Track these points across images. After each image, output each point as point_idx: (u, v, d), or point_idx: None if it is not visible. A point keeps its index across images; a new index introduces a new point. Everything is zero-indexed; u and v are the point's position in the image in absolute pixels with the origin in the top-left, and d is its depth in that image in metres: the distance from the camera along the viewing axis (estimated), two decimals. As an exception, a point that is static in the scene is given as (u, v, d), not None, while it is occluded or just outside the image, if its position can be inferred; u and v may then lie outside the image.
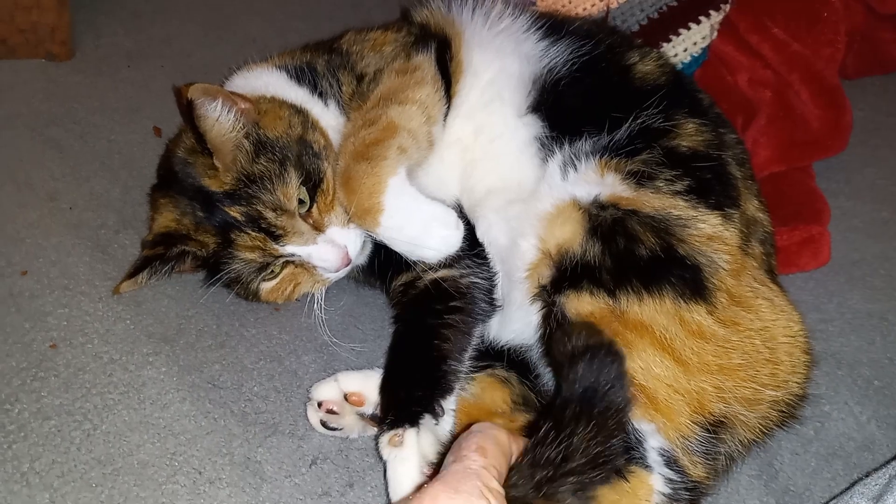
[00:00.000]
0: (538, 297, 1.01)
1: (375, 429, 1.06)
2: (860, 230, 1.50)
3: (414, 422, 0.98)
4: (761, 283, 1.03)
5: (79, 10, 1.83)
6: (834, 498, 0.97)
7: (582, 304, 0.96)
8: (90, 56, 1.79)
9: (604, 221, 1.00)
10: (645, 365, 0.92)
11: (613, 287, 0.96)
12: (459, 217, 1.12)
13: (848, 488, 0.94)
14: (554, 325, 0.98)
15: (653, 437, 0.91)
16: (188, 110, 1.06)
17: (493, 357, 1.10)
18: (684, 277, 0.96)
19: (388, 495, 0.98)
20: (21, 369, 1.11)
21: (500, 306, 1.13)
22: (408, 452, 0.97)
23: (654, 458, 0.91)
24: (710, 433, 0.93)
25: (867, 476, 0.92)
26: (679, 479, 0.91)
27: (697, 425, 0.92)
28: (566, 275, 0.99)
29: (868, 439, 1.14)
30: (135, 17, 1.97)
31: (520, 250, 1.05)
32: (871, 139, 1.71)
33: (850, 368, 1.24)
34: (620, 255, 0.97)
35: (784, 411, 0.99)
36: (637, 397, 0.92)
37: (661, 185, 1.03)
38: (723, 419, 0.93)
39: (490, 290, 1.14)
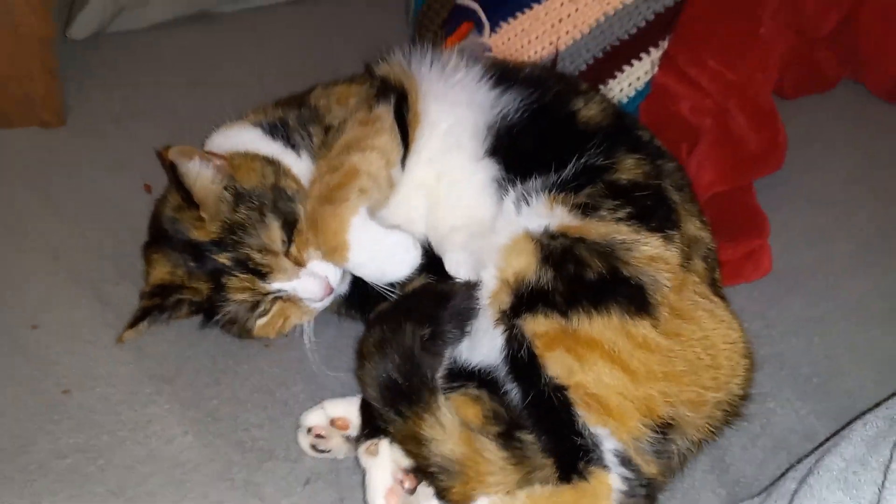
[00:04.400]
0: (500, 322, 1.07)
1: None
2: (799, 238, 1.57)
3: (387, 433, 1.05)
4: (703, 296, 1.10)
5: (68, 69, 1.83)
6: (772, 483, 1.04)
7: (538, 325, 1.03)
8: (81, 120, 1.81)
9: (555, 250, 1.06)
10: (596, 376, 0.99)
11: (566, 308, 1.02)
12: (423, 248, 1.20)
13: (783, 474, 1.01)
14: (515, 346, 1.04)
15: (608, 440, 0.98)
16: (171, 171, 1.15)
17: (466, 377, 1.15)
18: (629, 296, 1.03)
19: (364, 500, 1.05)
20: (36, 414, 1.17)
21: (468, 331, 1.19)
22: (382, 459, 1.04)
23: (610, 458, 0.98)
24: (660, 434, 0.99)
25: (798, 462, 0.99)
26: (634, 477, 0.98)
27: (647, 427, 0.99)
28: (523, 300, 1.05)
29: (809, 431, 1.21)
30: (122, 78, 1.97)
31: (482, 280, 1.12)
32: (807, 153, 1.76)
33: (791, 368, 1.31)
34: (571, 279, 1.04)
35: (728, 410, 1.06)
36: (591, 405, 0.99)
37: (604, 213, 1.09)
38: (671, 421, 1.00)
39: None
